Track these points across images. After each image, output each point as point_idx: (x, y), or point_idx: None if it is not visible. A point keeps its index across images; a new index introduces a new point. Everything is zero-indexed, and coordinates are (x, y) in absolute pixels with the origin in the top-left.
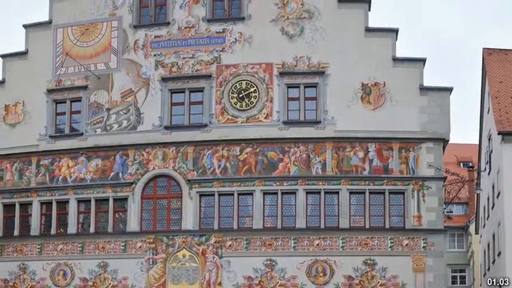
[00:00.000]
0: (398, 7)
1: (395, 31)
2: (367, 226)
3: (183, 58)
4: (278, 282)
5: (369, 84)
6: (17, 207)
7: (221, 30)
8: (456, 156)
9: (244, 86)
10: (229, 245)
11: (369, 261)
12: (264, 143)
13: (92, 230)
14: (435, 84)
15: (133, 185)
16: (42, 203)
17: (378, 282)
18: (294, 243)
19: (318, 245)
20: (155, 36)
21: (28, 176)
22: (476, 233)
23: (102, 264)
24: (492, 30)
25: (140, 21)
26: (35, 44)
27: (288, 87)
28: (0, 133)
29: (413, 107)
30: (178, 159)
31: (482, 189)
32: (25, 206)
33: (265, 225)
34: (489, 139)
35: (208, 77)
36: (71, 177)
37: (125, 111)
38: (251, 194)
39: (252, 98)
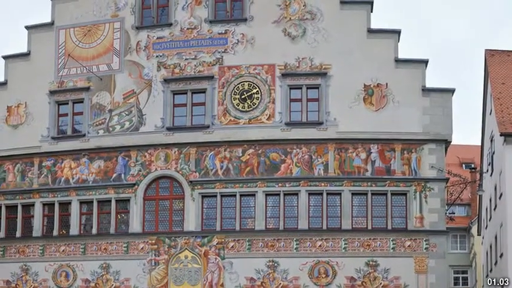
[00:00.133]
0: (400, 8)
1: (397, 32)
2: (370, 227)
3: (185, 59)
4: (280, 284)
5: (371, 86)
6: (19, 208)
7: (223, 32)
8: (458, 158)
9: (246, 87)
10: (232, 246)
11: (371, 263)
12: (266, 144)
13: (94, 231)
14: (437, 85)
15: (136, 186)
16: (44, 204)
17: (380, 283)
18: (296, 244)
19: (320, 246)
20: (157, 38)
21: (30, 177)
22: (479, 234)
23: (104, 265)
24: (494, 31)
25: (142, 23)
26: (37, 45)
27: (290, 88)
28: (2, 134)
29: (415, 108)
30: (181, 160)
31: (484, 190)
32: (27, 208)
33: (268, 227)
34: (491, 140)
35: (210, 78)
36: (73, 178)
37: (127, 113)
38: (253, 195)
39: (254, 99)
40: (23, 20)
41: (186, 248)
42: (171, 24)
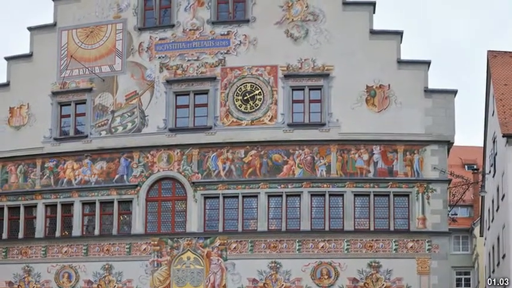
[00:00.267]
0: (403, 9)
1: (400, 33)
2: (372, 228)
3: (188, 60)
4: (283, 285)
5: (374, 87)
6: (22, 209)
7: (226, 33)
8: (461, 159)
9: (249, 88)
10: (234, 248)
11: (373, 264)
12: (268, 146)
13: (96, 232)
14: (440, 86)
15: (138, 188)
16: (46, 206)
17: (383, 284)
18: (299, 245)
19: (322, 247)
20: (160, 39)
21: (33, 178)
22: (481, 235)
23: (106, 266)
24: (497, 32)
25: (145, 24)
26: (40, 46)
27: (293, 89)
28: (5, 135)
29: (418, 109)
30: (183, 161)
31: (486, 191)
32: (30, 209)
33: (270, 228)
34: (494, 141)
35: (213, 79)
36: (75, 179)
37: (129, 114)
38: (256, 196)
39: (257, 101)
40: (26, 21)
41: (188, 249)
42: (173, 26)
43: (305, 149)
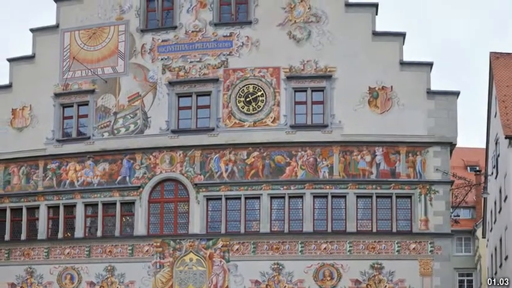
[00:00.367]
0: (405, 11)
1: (402, 35)
2: (374, 230)
3: (190, 62)
4: (285, 286)
5: (376, 88)
6: (24, 211)
7: (228, 34)
8: (463, 160)
9: (251, 90)
10: (237, 249)
11: (376, 265)
12: (271, 147)
13: (99, 234)
14: (442, 88)
15: (141, 189)
16: (49, 207)
17: (385, 286)
18: (301, 247)
19: (325, 248)
20: (162, 40)
21: (35, 180)
22: (484, 237)
23: (109, 268)
24: (499, 34)
25: (147, 25)
26: (42, 48)
27: (295, 91)
28: (7, 137)
29: (420, 111)
30: (186, 163)
31: (489, 193)
32: (32, 210)
33: (273, 229)
34: (496, 143)
35: (215, 81)
36: (78, 181)
37: (132, 115)
38: (258, 197)
39: (259, 102)
40: (28, 23)
41: (191, 251)
42: (176, 27)
43: (307, 151)
